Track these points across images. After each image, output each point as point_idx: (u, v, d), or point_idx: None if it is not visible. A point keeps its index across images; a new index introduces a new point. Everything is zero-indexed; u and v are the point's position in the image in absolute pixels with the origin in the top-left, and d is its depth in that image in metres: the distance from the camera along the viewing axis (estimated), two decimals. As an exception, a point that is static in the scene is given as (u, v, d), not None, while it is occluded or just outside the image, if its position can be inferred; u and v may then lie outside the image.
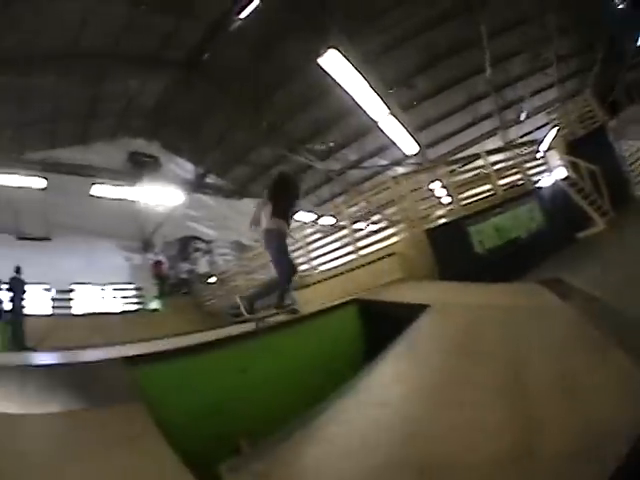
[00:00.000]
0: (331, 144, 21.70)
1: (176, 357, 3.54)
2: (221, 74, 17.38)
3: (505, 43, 16.51)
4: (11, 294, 12.36)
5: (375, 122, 16.33)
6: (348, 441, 2.26)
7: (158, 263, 21.29)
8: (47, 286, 18.68)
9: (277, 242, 6.67)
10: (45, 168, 16.62)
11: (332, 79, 14.07)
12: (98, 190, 17.58)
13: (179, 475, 2.16)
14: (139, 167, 20.98)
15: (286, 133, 20.70)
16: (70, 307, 18.94)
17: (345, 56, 12.56)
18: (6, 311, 12.50)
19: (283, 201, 6.69)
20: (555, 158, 12.21)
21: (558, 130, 13.27)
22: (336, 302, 6.10)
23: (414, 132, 17.80)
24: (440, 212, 10.42)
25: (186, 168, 23.08)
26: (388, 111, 15.63)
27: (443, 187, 10.81)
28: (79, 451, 2.35)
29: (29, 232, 19.64)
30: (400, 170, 21.87)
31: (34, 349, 11.48)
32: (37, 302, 17.16)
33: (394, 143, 17.91)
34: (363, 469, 1.96)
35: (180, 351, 3.66)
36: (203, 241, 24.20)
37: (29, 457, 2.29)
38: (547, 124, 16.41)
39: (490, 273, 6.90)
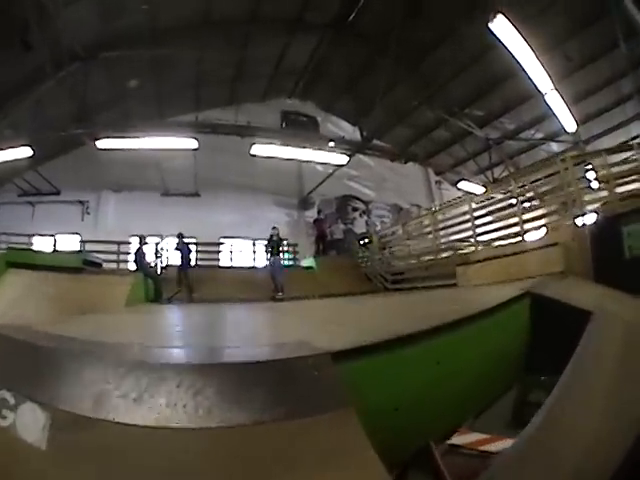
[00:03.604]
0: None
1: (382, 350, 3.31)
2: (372, 33, 17.71)
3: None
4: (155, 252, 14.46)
5: (539, 91, 15.77)
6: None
7: (319, 221, 21.52)
8: (193, 239, 19.45)
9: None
10: (197, 129, 17.38)
11: (496, 43, 13.69)
12: (257, 149, 17.82)
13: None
14: (295, 127, 21.92)
15: (445, 95, 20.41)
16: (218, 260, 20.21)
17: (510, 20, 12.21)
18: (150, 266, 14.04)
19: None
20: None
21: None
22: (512, 293, 5.77)
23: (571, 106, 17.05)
24: (596, 205, 9.38)
25: (343, 128, 23.56)
26: (550, 81, 15.09)
27: (597, 179, 9.93)
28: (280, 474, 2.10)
29: (178, 190, 21.46)
30: (554, 146, 21.80)
31: (170, 300, 13.03)
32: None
33: (555, 115, 17.33)
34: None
35: (388, 343, 3.39)
36: (361, 201, 24.75)
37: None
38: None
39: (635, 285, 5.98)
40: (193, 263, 16.60)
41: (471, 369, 4.23)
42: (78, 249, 17.42)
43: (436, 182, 27.74)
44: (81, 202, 20.60)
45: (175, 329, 6.44)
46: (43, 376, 2.64)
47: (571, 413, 3.09)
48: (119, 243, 17.05)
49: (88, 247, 17.28)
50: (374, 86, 17.04)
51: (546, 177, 10.55)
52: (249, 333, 5.80)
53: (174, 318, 8.85)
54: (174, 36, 15.68)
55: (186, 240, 15.19)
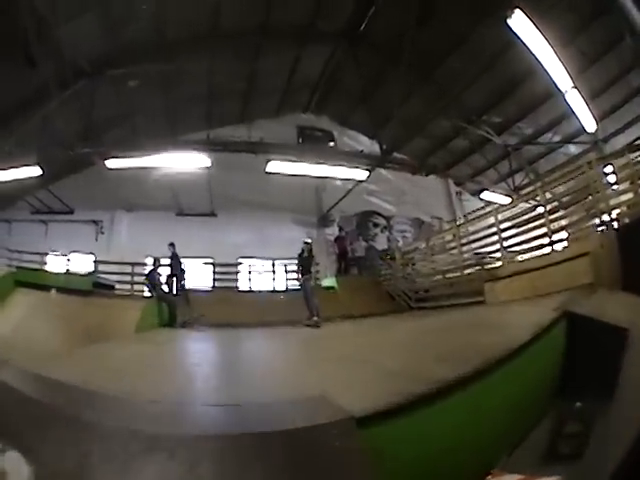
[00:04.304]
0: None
1: (413, 409, 2.95)
2: (385, 42, 17.48)
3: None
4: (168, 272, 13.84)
5: (559, 90, 15.14)
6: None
7: (340, 238, 21.14)
8: (209, 260, 19.35)
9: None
10: (210, 147, 16.79)
11: (511, 44, 13.54)
12: (273, 166, 16.95)
13: None
14: (311, 142, 21.75)
15: (462, 103, 20.36)
16: (236, 281, 19.47)
17: (529, 16, 11.69)
18: (163, 290, 13.45)
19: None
20: None
21: None
22: (548, 314, 5.57)
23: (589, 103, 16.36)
24: (621, 209, 9.15)
25: (361, 141, 23.14)
26: (569, 78, 14.35)
27: (617, 181, 9.60)
28: None
29: (193, 209, 21.30)
30: (572, 148, 21.55)
31: (185, 325, 12.51)
32: (199, 276, 18.04)
33: (575, 115, 16.67)
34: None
35: (421, 399, 3.05)
36: (382, 216, 24.32)
37: None
38: None
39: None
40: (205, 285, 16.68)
41: (506, 405, 3.97)
42: (91, 269, 17.11)
43: (456, 193, 27.34)
44: (95, 222, 20.68)
45: (179, 371, 6.00)
46: (27, 428, 2.44)
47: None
48: (133, 264, 16.54)
49: (102, 268, 17.00)
50: (389, 97, 16.73)
51: (570, 180, 10.37)
52: (262, 377, 5.27)
53: (181, 352, 8.52)
54: (182, 50, 15.61)
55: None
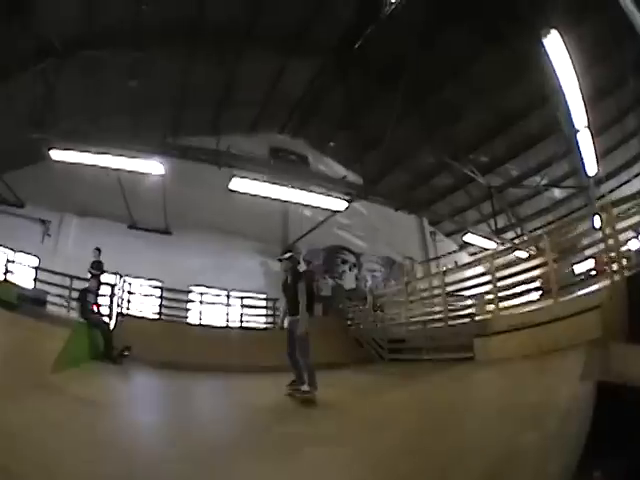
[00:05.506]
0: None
1: None
2: (379, 66, 17.26)
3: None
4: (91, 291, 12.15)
5: (573, 126, 14.92)
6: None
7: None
8: (158, 283, 18.58)
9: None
10: (167, 150, 14.78)
11: (517, 76, 14.15)
12: (238, 184, 15.48)
13: None
14: (283, 165, 21.08)
15: (450, 139, 20.24)
16: (186, 310, 18.67)
17: (565, 41, 11.35)
18: (94, 312, 11.92)
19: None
20: None
21: None
22: (580, 391, 4.29)
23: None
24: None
25: (337, 171, 22.72)
26: (585, 114, 13.98)
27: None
28: None
29: (148, 224, 20.22)
30: (556, 193, 22.34)
31: (116, 361, 10.81)
32: (144, 302, 17.27)
33: (580, 156, 16.49)
34: None
35: None
36: (351, 252, 23.80)
37: None
38: None
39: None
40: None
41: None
42: (19, 280, 15.72)
43: (431, 233, 27.37)
44: (43, 221, 19.41)
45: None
46: None
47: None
48: (72, 277, 15.32)
49: (40, 276, 16.05)
50: (374, 125, 16.67)
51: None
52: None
53: (89, 433, 4.91)
54: (159, 41, 14.94)
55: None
